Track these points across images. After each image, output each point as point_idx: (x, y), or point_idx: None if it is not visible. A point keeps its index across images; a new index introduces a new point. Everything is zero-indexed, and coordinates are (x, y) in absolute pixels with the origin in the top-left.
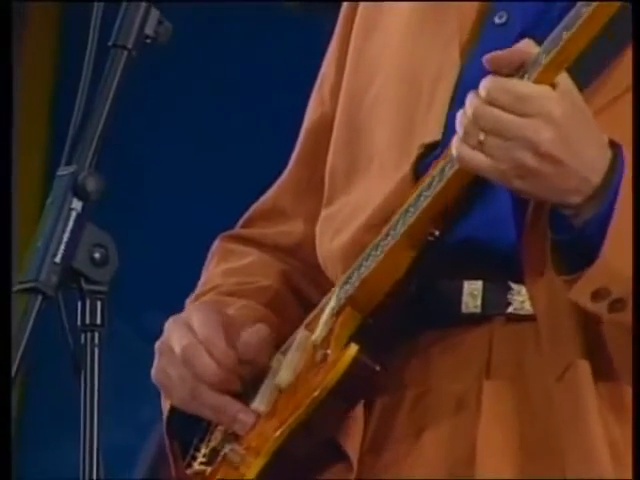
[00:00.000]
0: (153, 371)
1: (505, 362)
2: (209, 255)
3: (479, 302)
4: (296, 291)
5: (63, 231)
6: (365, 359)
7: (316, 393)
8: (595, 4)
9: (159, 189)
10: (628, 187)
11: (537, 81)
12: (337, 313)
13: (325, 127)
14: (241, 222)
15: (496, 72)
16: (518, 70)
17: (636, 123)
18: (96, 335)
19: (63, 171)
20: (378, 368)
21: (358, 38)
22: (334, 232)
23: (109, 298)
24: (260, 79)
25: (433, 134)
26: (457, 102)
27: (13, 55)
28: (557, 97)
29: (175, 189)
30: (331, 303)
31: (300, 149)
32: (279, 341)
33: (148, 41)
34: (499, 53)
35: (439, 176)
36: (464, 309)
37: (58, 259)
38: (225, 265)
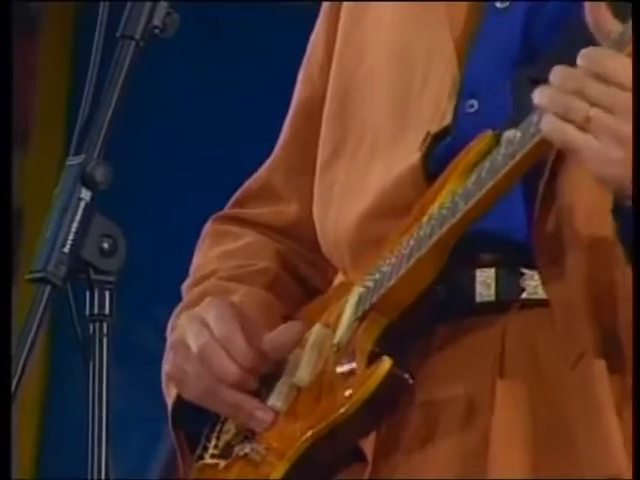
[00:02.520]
0: (167, 366)
1: (519, 350)
2: (202, 236)
3: (492, 290)
4: (293, 271)
5: (72, 221)
6: (398, 372)
7: (346, 409)
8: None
9: (170, 181)
10: None
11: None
12: (360, 318)
13: (315, 106)
14: (232, 202)
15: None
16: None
17: (636, 123)
18: (104, 325)
19: (72, 161)
20: (411, 381)
21: (347, 19)
22: (336, 213)
23: (117, 288)
24: (266, 74)
25: (436, 121)
26: (466, 90)
27: (17, 53)
28: None
29: (186, 181)
30: (351, 304)
31: (290, 128)
32: (284, 323)
33: (156, 32)
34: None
35: (478, 182)
36: (478, 299)
37: (67, 249)
38: (220, 247)
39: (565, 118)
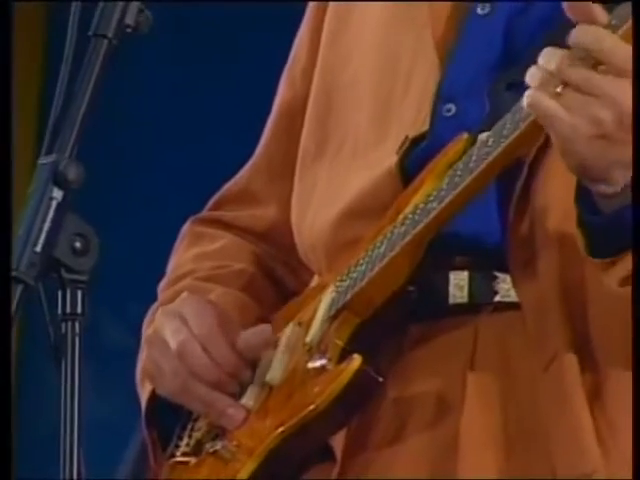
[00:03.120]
0: (142, 361)
1: (490, 352)
2: (179, 238)
3: (465, 292)
4: (269, 274)
5: (44, 220)
6: (368, 370)
7: (316, 404)
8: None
9: (142, 179)
10: None
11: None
12: (333, 317)
13: (297, 109)
14: (210, 204)
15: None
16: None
17: (636, 123)
18: (77, 324)
19: (44, 160)
20: (381, 379)
21: (332, 22)
22: (313, 216)
23: (89, 287)
24: (244, 74)
25: (417, 125)
26: (444, 94)
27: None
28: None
29: (158, 180)
30: (325, 303)
31: (271, 131)
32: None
33: (128, 30)
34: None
35: (451, 183)
36: (451, 300)
37: (39, 248)
38: (196, 249)
39: (540, 88)
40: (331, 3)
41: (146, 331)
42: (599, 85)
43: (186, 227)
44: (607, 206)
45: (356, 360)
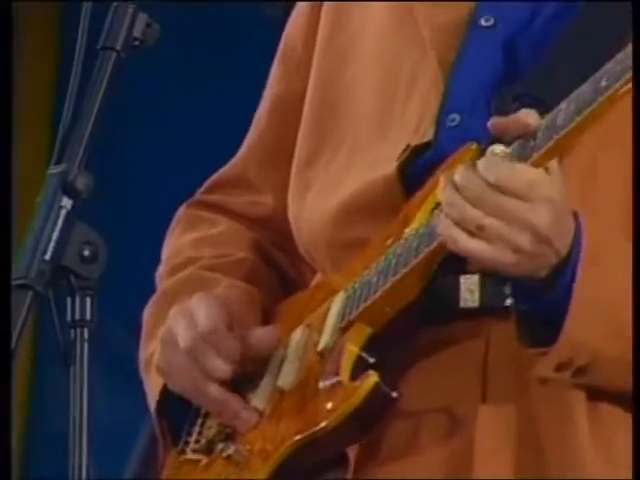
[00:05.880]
0: (156, 359)
1: (502, 356)
2: (174, 221)
3: (477, 296)
4: (269, 260)
5: (53, 229)
6: (383, 388)
7: (328, 422)
8: (611, 91)
9: (148, 188)
10: (590, 254)
11: (535, 164)
12: (344, 328)
13: (292, 101)
14: (204, 188)
15: (496, 135)
16: (517, 139)
17: (636, 123)
18: (85, 331)
19: (53, 170)
20: (395, 395)
21: (329, 21)
22: (310, 212)
23: (98, 294)
24: (246, 79)
25: (419, 133)
26: (449, 104)
27: (13, 58)
28: (552, 180)
29: (166, 188)
30: (335, 309)
31: (265, 121)
32: (264, 315)
33: (136, 43)
34: (503, 121)
35: None
36: (462, 304)
37: (48, 256)
38: (195, 234)
39: (458, 224)
40: (326, 4)
41: (147, 321)
42: (509, 210)
43: (181, 210)
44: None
45: (371, 378)
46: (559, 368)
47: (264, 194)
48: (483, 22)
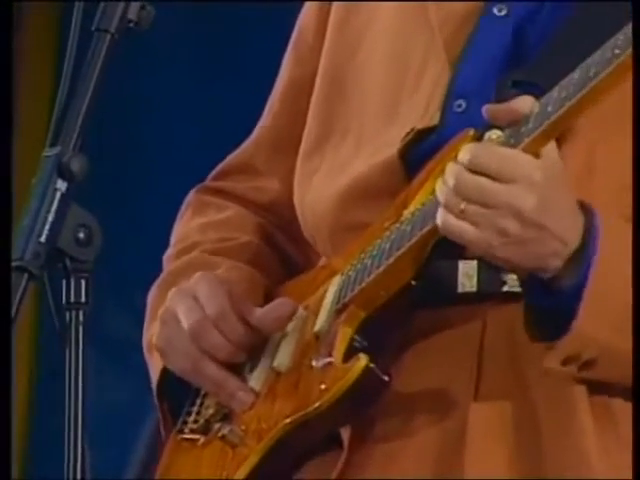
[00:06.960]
0: (155, 338)
1: (499, 341)
2: (183, 207)
3: (474, 281)
4: (274, 245)
5: (48, 211)
6: (374, 370)
7: (320, 403)
8: (599, 77)
9: (146, 171)
10: (607, 250)
11: (526, 149)
12: (340, 309)
13: (304, 87)
14: (214, 174)
15: (489, 121)
16: (510, 125)
17: (636, 123)
18: (80, 313)
19: (48, 152)
20: (387, 378)
21: (340, 9)
22: (314, 196)
23: (93, 276)
24: (245, 64)
25: (425, 119)
26: (456, 90)
27: (13, 49)
28: (538, 162)
29: (163, 170)
30: (331, 293)
31: (277, 106)
32: (267, 298)
33: (131, 25)
34: (494, 107)
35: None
36: (460, 289)
37: (43, 239)
38: (202, 219)
39: (446, 207)
40: None
41: (151, 303)
42: (493, 195)
43: (191, 195)
44: (554, 287)
45: (362, 360)
46: (566, 361)
47: (270, 180)
48: (496, 11)
